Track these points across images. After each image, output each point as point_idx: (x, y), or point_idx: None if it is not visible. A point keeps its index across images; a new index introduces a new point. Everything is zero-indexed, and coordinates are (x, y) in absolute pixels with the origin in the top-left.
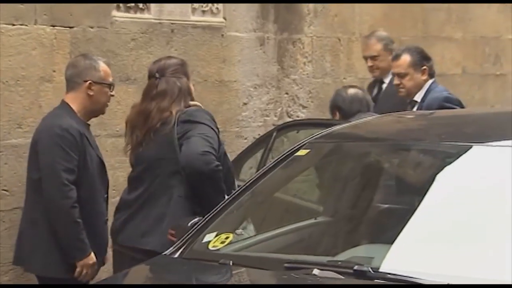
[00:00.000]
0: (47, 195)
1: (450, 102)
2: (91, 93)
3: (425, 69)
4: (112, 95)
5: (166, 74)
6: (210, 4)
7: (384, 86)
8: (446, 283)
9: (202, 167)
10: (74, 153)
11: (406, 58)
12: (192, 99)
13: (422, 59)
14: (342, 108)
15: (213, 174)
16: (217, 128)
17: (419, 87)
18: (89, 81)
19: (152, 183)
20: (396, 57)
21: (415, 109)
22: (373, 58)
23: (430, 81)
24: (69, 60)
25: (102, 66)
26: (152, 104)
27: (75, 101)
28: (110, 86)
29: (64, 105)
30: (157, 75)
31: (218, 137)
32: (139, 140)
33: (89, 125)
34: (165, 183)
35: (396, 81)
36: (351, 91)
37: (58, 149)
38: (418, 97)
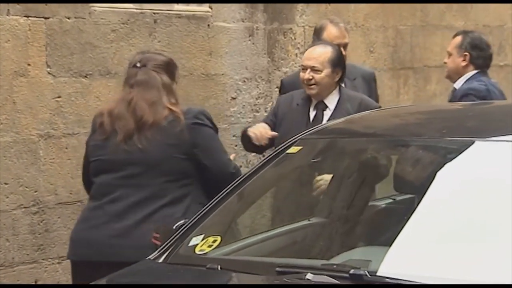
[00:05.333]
0: None
1: (467, 96)
2: None
3: (466, 55)
4: None
5: (148, 66)
6: None
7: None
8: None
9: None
10: None
11: (457, 39)
12: (176, 101)
13: (468, 45)
14: None
15: None
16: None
17: (457, 73)
18: None
19: (158, 187)
20: (454, 35)
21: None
22: (345, 46)
23: (475, 72)
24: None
25: None
26: (132, 93)
27: None
28: None
29: None
30: (138, 64)
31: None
32: (129, 133)
33: None
34: (175, 189)
35: (445, 59)
36: None
37: None
38: (457, 85)
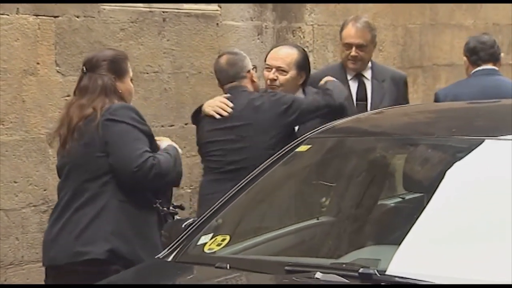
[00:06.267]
0: None
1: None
2: (254, 79)
3: (464, 58)
4: None
5: (95, 70)
6: None
7: (367, 81)
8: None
9: (144, 182)
10: None
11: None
12: (125, 101)
13: (465, 48)
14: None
15: (155, 177)
16: (146, 125)
17: (468, 75)
18: (250, 69)
19: (79, 187)
20: None
21: None
22: (360, 47)
23: (474, 70)
24: (218, 63)
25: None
26: (73, 100)
27: None
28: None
29: None
30: (84, 68)
31: (147, 133)
32: (65, 138)
33: None
34: (95, 187)
35: None
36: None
37: None
38: None
